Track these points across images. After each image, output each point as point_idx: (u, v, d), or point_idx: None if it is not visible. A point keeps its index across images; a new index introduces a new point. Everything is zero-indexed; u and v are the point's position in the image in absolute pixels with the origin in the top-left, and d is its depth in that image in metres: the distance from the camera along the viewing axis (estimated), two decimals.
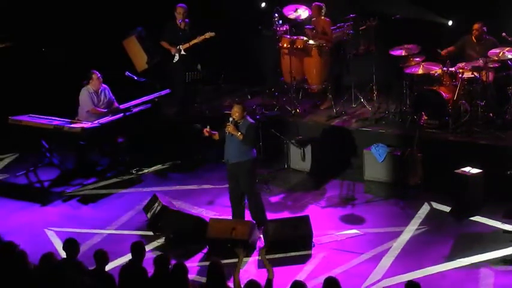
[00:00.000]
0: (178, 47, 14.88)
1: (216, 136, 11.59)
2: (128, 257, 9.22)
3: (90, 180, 13.84)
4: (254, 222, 11.50)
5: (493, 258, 10.63)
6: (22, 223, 12.25)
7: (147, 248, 11.03)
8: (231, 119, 11.40)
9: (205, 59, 15.24)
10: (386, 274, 10.47)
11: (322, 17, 14.59)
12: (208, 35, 14.72)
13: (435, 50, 13.77)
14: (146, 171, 14.12)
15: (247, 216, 11.73)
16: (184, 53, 14.91)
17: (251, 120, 11.59)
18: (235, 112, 11.41)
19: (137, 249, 9.04)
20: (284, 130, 14.09)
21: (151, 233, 11.80)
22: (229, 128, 11.34)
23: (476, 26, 13.67)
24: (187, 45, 14.86)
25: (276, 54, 15.03)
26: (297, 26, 14.98)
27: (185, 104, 15.36)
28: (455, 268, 10.51)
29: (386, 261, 10.77)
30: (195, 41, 14.81)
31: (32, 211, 12.78)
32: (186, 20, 14.93)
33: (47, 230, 12.05)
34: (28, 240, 11.00)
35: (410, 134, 13.02)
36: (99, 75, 13.90)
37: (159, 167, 14.28)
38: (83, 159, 14.06)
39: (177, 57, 14.98)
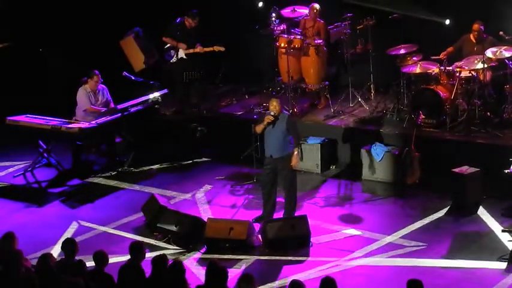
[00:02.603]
0: (179, 45, 14.88)
1: (260, 129, 11.56)
2: (124, 257, 9.21)
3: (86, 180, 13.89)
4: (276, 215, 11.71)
5: (491, 257, 10.63)
6: (20, 223, 12.26)
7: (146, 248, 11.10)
8: (272, 113, 11.40)
9: (205, 59, 15.24)
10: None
11: (317, 19, 14.58)
12: (217, 48, 14.76)
13: (434, 59, 13.77)
14: (144, 168, 14.12)
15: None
16: (185, 56, 14.92)
17: (287, 113, 11.73)
18: (275, 107, 11.45)
19: (136, 249, 9.03)
20: None
21: (149, 233, 11.79)
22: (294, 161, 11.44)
23: (475, 26, 13.64)
24: (190, 51, 14.86)
25: (273, 53, 15.02)
26: (295, 26, 14.99)
27: (184, 103, 15.37)
28: (452, 267, 10.51)
29: (383, 258, 10.84)
30: (198, 50, 14.82)
31: (30, 212, 12.78)
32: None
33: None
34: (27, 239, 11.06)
35: (408, 133, 13.03)
36: (99, 77, 13.92)
37: (157, 166, 14.27)
38: (80, 160, 14.04)
39: (175, 58, 14.97)
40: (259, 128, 11.56)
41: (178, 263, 8.72)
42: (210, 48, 14.83)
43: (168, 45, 15.03)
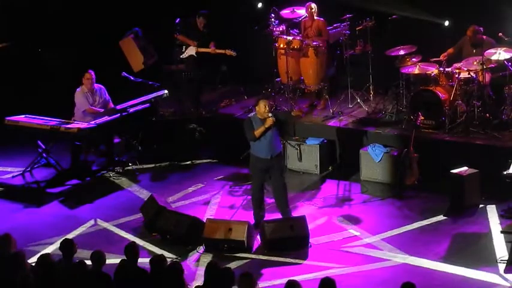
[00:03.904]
0: (196, 44, 14.93)
1: (260, 132, 11.48)
2: (121, 257, 9.22)
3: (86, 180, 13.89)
4: (282, 216, 11.69)
5: (490, 259, 10.62)
6: (19, 223, 12.25)
7: (144, 248, 11.11)
8: (270, 114, 11.35)
9: (206, 59, 15.28)
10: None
11: (316, 18, 14.59)
12: (228, 52, 14.80)
13: (433, 61, 13.78)
14: (143, 168, 14.12)
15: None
16: (195, 55, 14.97)
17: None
18: (271, 106, 11.47)
19: (131, 250, 9.03)
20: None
21: (147, 234, 11.79)
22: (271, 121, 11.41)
23: (469, 32, 13.63)
24: (201, 49, 14.91)
25: (272, 54, 15.02)
26: (294, 27, 15.00)
27: (183, 104, 15.39)
28: (451, 268, 10.49)
29: (381, 259, 10.84)
30: (210, 50, 14.87)
31: (28, 212, 12.77)
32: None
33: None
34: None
35: (407, 134, 13.03)
36: (92, 76, 13.89)
37: (156, 167, 14.26)
38: (79, 160, 14.03)
39: (186, 54, 15.02)
40: (259, 132, 11.46)
41: (177, 263, 8.74)
42: (222, 51, 14.87)
43: (179, 43, 15.13)
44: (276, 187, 11.75)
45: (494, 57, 13.12)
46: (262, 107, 11.39)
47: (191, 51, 15.04)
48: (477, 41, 13.59)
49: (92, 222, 12.26)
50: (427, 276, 10.27)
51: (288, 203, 11.85)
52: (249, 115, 11.75)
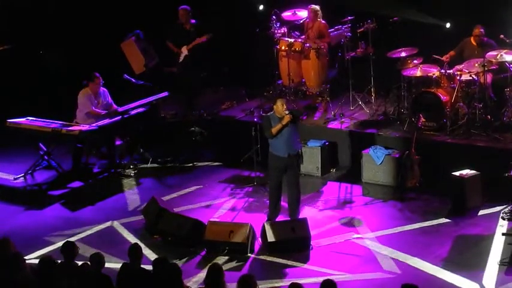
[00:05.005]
0: (181, 49, 14.96)
1: (277, 130, 11.51)
2: (122, 259, 9.23)
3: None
4: (292, 216, 11.70)
5: (491, 261, 10.62)
6: (20, 225, 12.26)
7: (145, 250, 11.10)
8: (287, 111, 11.41)
9: (207, 61, 15.29)
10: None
11: (319, 20, 14.60)
12: (205, 37, 14.81)
13: (435, 58, 13.77)
14: (145, 170, 14.13)
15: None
16: (187, 53, 14.99)
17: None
18: (286, 105, 11.48)
19: (134, 252, 9.05)
20: None
21: (149, 236, 11.79)
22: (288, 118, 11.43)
23: (476, 31, 13.66)
24: (189, 46, 14.94)
25: (274, 56, 15.03)
26: (295, 29, 15.01)
27: (184, 106, 15.40)
28: (451, 271, 10.48)
29: (382, 261, 10.84)
30: (193, 43, 14.90)
31: (30, 214, 12.78)
32: (192, 21, 15.05)
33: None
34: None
35: (408, 136, 13.03)
36: (100, 80, 13.91)
37: (157, 169, 14.27)
38: (80, 162, 14.04)
39: (182, 57, 15.06)
40: (276, 130, 11.50)
41: (175, 264, 8.75)
42: (202, 38, 14.88)
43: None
44: (290, 185, 11.75)
45: (505, 59, 13.10)
46: (280, 106, 11.47)
47: (184, 52, 15.07)
48: (482, 41, 13.62)
49: (93, 224, 12.26)
50: (428, 278, 10.26)
51: (299, 206, 11.83)
52: (267, 113, 11.78)
